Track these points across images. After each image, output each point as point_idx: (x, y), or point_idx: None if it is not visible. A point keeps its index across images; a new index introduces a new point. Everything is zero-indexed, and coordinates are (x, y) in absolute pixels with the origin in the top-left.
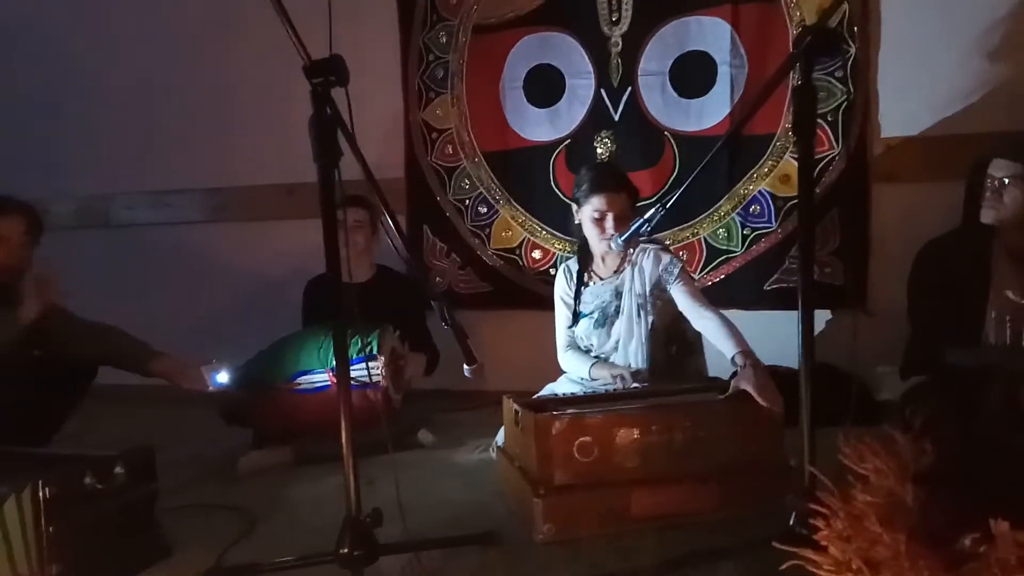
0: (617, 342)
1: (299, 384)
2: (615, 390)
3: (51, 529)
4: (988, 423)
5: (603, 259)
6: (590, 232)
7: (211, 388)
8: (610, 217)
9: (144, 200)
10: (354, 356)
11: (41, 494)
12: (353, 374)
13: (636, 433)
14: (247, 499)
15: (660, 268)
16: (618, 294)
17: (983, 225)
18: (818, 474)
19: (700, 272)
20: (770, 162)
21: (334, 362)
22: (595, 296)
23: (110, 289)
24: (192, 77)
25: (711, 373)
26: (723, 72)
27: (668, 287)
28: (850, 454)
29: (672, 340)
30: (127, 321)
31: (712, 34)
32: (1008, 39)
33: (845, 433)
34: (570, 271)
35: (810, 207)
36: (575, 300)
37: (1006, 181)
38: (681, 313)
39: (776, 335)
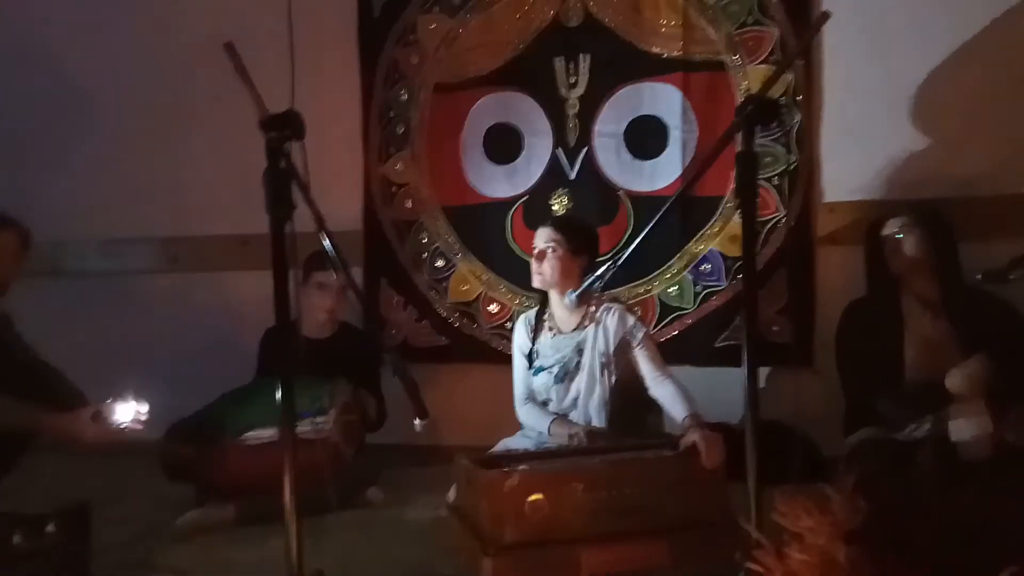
0: (576, 399)
1: (247, 439)
2: (567, 446)
3: None
4: (919, 482)
5: (564, 312)
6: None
7: (122, 424)
8: (548, 257)
9: (95, 248)
10: (304, 410)
11: None
12: (301, 429)
13: (587, 489)
14: (187, 560)
15: (625, 329)
16: (580, 350)
17: (888, 281)
18: (754, 532)
19: (653, 328)
20: (720, 222)
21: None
22: (556, 350)
23: (58, 339)
24: (147, 124)
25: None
26: (675, 136)
27: (631, 349)
28: (785, 512)
29: (633, 399)
30: (73, 373)
31: (664, 100)
32: (946, 109)
33: (781, 491)
34: (529, 320)
35: (753, 268)
36: (531, 349)
37: (899, 235)
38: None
39: (727, 391)
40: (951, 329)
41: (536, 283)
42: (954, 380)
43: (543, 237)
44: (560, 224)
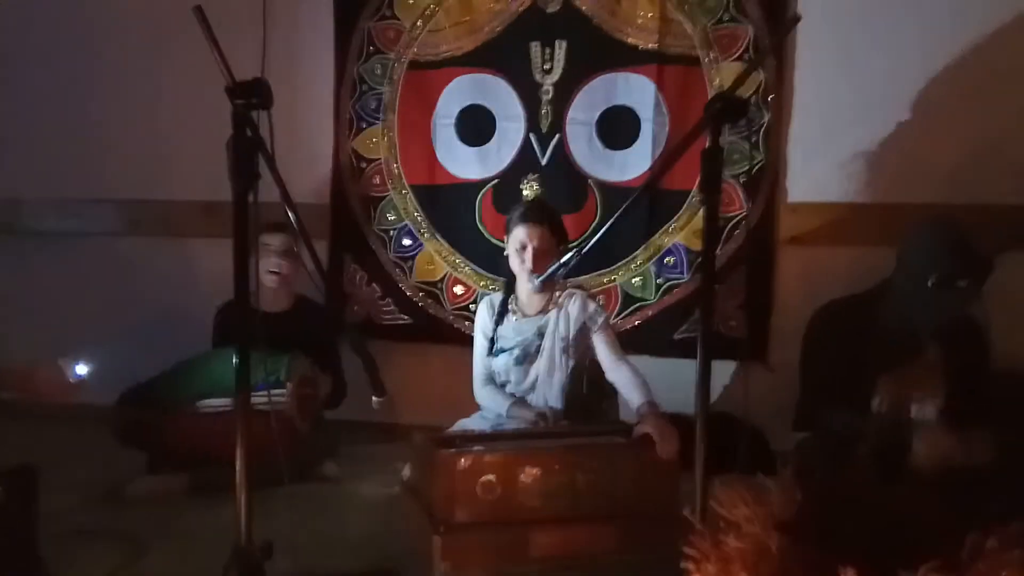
0: (534, 382)
1: (201, 407)
2: (524, 429)
3: None
4: (855, 474)
5: (528, 296)
6: (513, 263)
7: (73, 380)
8: (530, 249)
9: (54, 209)
10: (260, 381)
11: None
12: (256, 400)
13: (539, 473)
14: (137, 527)
15: (586, 315)
16: (541, 334)
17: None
18: (693, 519)
19: (615, 318)
20: (685, 216)
21: None
22: (518, 332)
23: (13, 301)
24: (112, 83)
25: (623, 418)
26: (646, 128)
27: (591, 334)
28: (723, 501)
29: (590, 384)
30: (30, 335)
31: (637, 91)
32: (913, 112)
33: (721, 480)
34: (492, 304)
35: (712, 262)
36: (494, 333)
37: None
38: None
39: (683, 383)
40: (936, 351)
41: (523, 275)
42: (919, 450)
43: (524, 234)
44: (539, 217)
